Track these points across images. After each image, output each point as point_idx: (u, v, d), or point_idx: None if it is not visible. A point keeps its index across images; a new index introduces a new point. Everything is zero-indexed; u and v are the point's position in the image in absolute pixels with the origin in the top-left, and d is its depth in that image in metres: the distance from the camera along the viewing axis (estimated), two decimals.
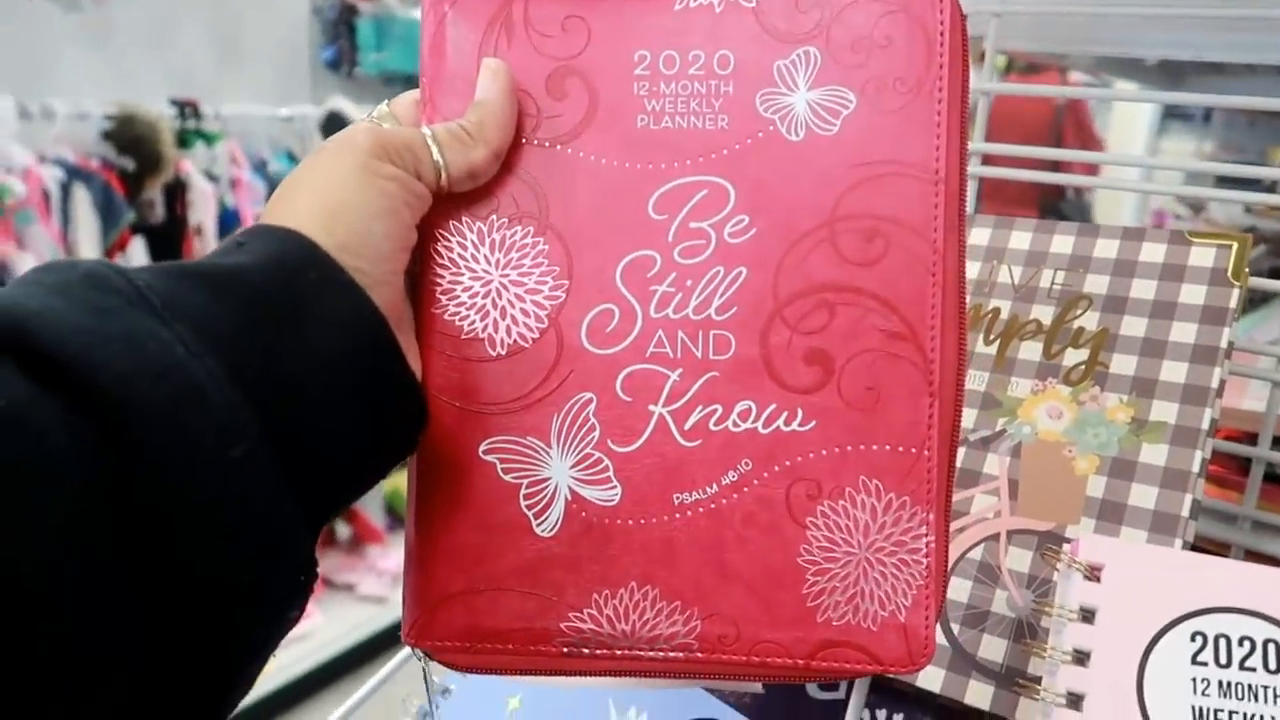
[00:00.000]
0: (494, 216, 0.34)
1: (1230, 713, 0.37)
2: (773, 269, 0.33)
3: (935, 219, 0.33)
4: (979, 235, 0.58)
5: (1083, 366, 0.52)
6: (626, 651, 0.34)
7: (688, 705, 0.50)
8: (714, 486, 0.33)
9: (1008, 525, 0.50)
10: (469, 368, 0.34)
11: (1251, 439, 0.59)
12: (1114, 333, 0.52)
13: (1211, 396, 0.49)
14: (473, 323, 0.34)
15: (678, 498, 0.33)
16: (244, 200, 2.14)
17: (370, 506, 2.40)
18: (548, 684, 0.42)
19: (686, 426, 0.34)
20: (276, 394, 0.27)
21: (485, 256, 0.34)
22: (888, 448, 0.33)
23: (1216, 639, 0.38)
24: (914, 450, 0.33)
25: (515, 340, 0.34)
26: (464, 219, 0.34)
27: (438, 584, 0.34)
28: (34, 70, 1.90)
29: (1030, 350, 0.54)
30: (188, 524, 0.24)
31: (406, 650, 0.37)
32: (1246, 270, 0.51)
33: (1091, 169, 2.08)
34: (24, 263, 1.66)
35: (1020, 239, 0.57)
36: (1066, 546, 0.43)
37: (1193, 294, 0.51)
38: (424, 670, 0.36)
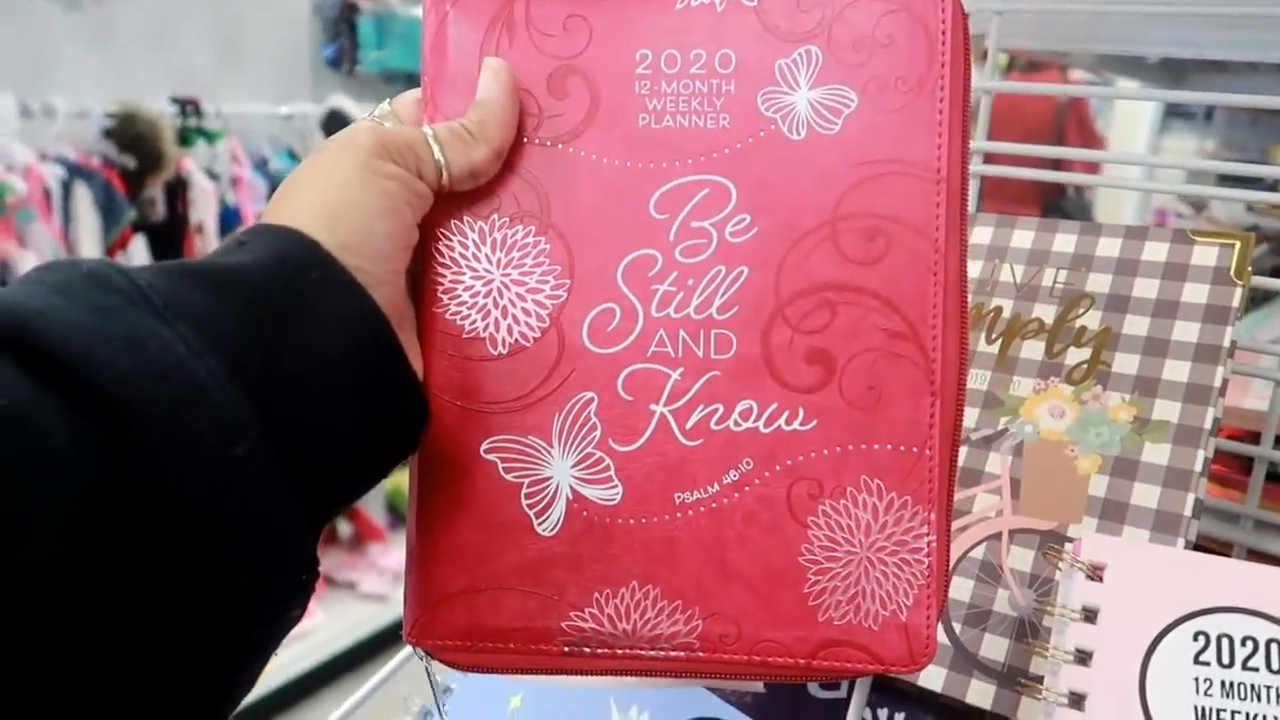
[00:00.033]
0: (495, 216, 0.34)
1: (1233, 713, 0.37)
2: (774, 268, 0.33)
3: (937, 218, 0.33)
4: (981, 234, 0.58)
5: (1085, 365, 0.52)
6: (627, 651, 0.34)
7: (689, 704, 0.50)
8: (715, 486, 0.33)
9: (1010, 524, 0.50)
10: (470, 367, 0.34)
11: (1254, 438, 0.59)
12: (1116, 332, 0.52)
13: (1214, 395, 0.49)
14: (474, 322, 0.34)
15: (679, 497, 0.33)
16: (245, 198, 2.14)
17: (372, 504, 2.41)
18: (549, 683, 0.42)
19: (688, 426, 0.34)
20: (278, 393, 0.27)
21: (486, 256, 0.34)
22: (889, 447, 0.33)
23: (1219, 639, 0.38)
24: (915, 450, 0.33)
25: (516, 339, 0.34)
26: (465, 218, 0.34)
27: (439, 583, 0.34)
28: (35, 68, 1.90)
29: (1032, 349, 0.54)
30: (189, 523, 0.24)
31: (408, 649, 0.37)
32: (1249, 269, 0.51)
33: (1093, 167, 2.08)
34: (25, 261, 1.66)
35: (1022, 238, 0.57)
36: (1069, 546, 0.43)
37: (1195, 293, 0.51)
38: (427, 670, 0.36)
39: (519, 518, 0.34)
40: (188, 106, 2.07)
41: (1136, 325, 0.52)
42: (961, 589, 0.50)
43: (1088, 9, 0.66)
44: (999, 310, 0.55)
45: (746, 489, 0.33)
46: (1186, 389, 0.49)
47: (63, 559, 0.22)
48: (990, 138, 0.69)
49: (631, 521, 0.34)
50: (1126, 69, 1.19)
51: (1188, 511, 0.47)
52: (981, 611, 0.49)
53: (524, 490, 0.34)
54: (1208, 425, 0.48)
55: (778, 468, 0.33)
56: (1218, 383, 0.49)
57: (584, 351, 0.34)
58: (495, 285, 0.34)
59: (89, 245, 1.79)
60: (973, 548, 0.50)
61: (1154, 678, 0.38)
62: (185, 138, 2.05)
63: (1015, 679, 0.47)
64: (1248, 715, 0.37)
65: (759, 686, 0.53)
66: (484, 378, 0.34)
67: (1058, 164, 0.74)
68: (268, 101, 2.31)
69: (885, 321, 0.33)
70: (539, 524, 0.34)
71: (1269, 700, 0.37)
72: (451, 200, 0.34)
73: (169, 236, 1.99)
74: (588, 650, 0.34)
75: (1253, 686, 0.37)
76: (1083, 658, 0.39)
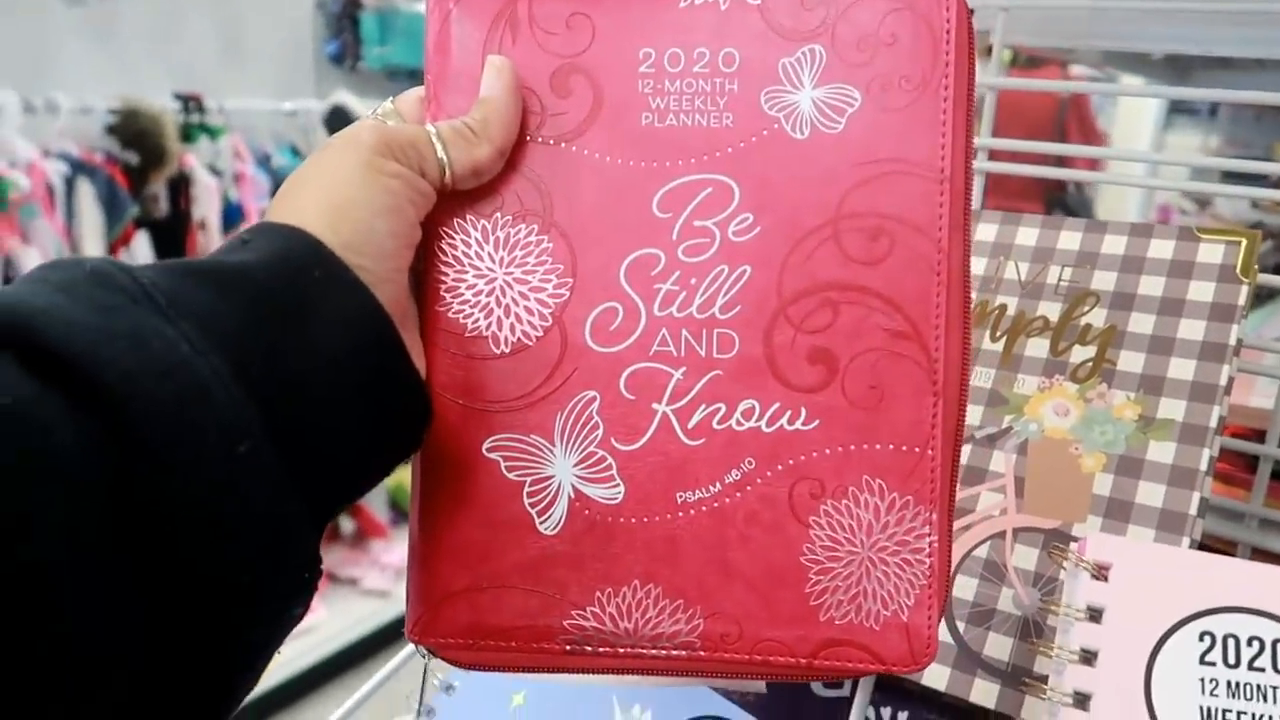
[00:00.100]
0: (498, 214, 0.34)
1: (1239, 713, 0.37)
2: (777, 267, 0.33)
3: (940, 218, 0.33)
4: (985, 231, 0.58)
5: (1090, 363, 0.52)
6: (629, 650, 0.34)
7: (692, 702, 0.50)
8: (717, 485, 0.33)
9: (1014, 523, 0.50)
10: (473, 365, 0.34)
11: (1259, 436, 0.59)
12: (1121, 329, 0.52)
13: (1220, 394, 0.49)
14: (477, 320, 0.34)
15: (681, 496, 0.33)
16: (248, 195, 2.14)
17: (374, 501, 2.41)
18: (552, 681, 0.42)
19: (690, 425, 0.33)
20: (281, 392, 0.27)
21: (489, 254, 0.34)
22: (891, 447, 0.33)
23: (1225, 639, 0.38)
24: (917, 450, 0.33)
25: (519, 338, 0.34)
26: (468, 217, 0.34)
27: (441, 581, 0.34)
28: (38, 64, 1.90)
29: (1037, 347, 0.53)
30: (191, 522, 0.24)
31: (410, 647, 0.37)
32: (1255, 266, 0.51)
33: (1095, 164, 2.07)
34: (28, 257, 1.67)
35: (1027, 235, 0.57)
36: (1073, 545, 0.43)
37: (1201, 290, 0.51)
38: (424, 670, 0.36)
39: (521, 516, 0.34)
40: (190, 102, 2.07)
41: (1141, 323, 0.52)
42: (965, 588, 0.50)
43: (1092, 5, 0.65)
44: (1003, 308, 0.55)
45: (748, 488, 0.33)
46: (1192, 387, 0.49)
47: (64, 557, 0.22)
48: (993, 134, 0.68)
49: (633, 520, 0.34)
50: (1131, 65, 1.19)
51: (1193, 510, 0.47)
52: (985, 610, 0.49)
53: (526, 489, 0.34)
54: (1213, 424, 0.48)
55: (780, 467, 0.33)
56: (1223, 381, 0.49)
57: (586, 350, 0.34)
58: (498, 284, 0.34)
59: (92, 241, 1.79)
60: (977, 546, 0.50)
61: (1159, 678, 0.38)
62: (188, 134, 2.05)
63: (1019, 678, 0.47)
64: (1254, 716, 0.36)
65: (761, 686, 0.53)
66: (486, 376, 0.34)
67: (1061, 160, 0.74)
68: (271, 97, 2.31)
69: (888, 321, 0.33)
70: (541, 523, 0.34)
71: (1275, 700, 0.36)
72: (454, 199, 0.34)
73: (172, 233, 1.99)
74: (589, 649, 0.34)
75: (1258, 687, 0.37)
76: (1087, 657, 0.39)
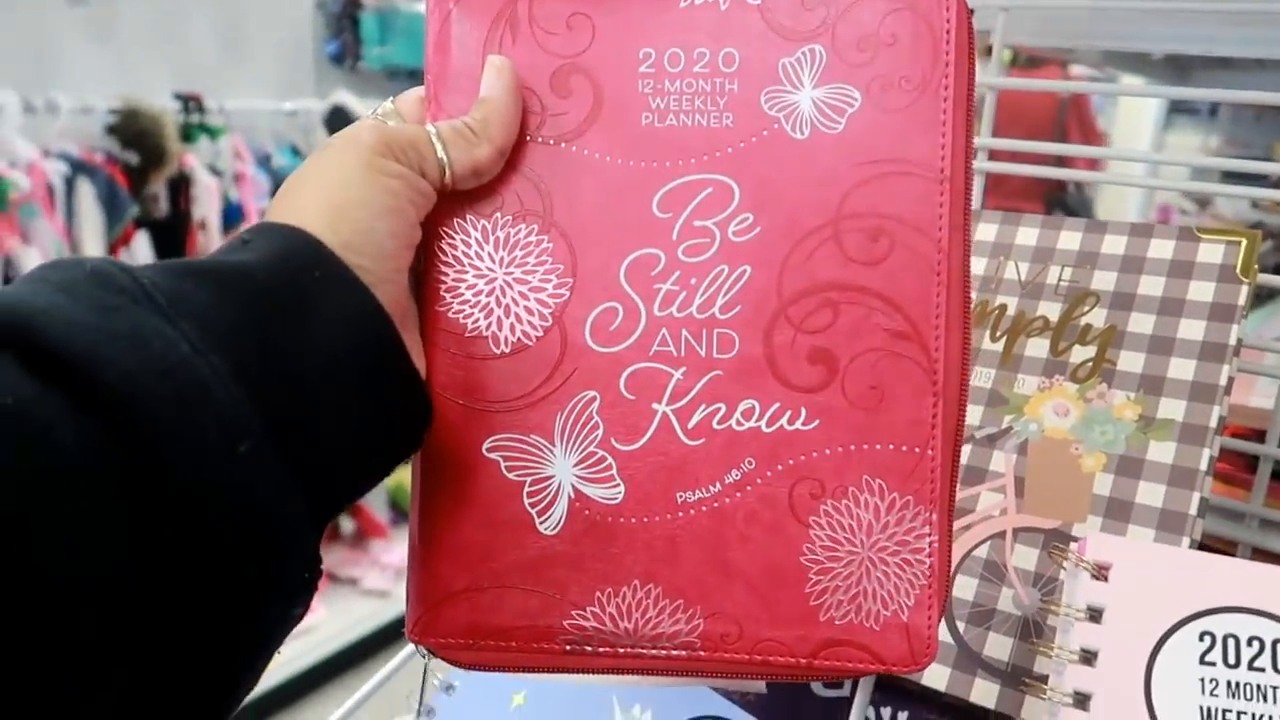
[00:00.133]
0: (498, 214, 0.34)
1: (1239, 713, 0.37)
2: (777, 268, 0.33)
3: (940, 218, 0.33)
4: (985, 231, 0.58)
5: (1090, 363, 0.52)
6: (629, 650, 0.34)
7: (692, 702, 0.50)
8: (717, 485, 0.33)
9: (1014, 523, 0.50)
10: (473, 365, 0.34)
11: (1259, 436, 0.59)
12: (1121, 329, 0.52)
13: (1220, 394, 0.49)
14: (477, 320, 0.34)
15: (681, 496, 0.33)
16: (248, 195, 2.14)
17: (374, 501, 2.41)
18: (552, 680, 0.42)
19: (690, 425, 0.33)
20: (281, 391, 0.27)
21: (489, 254, 0.34)
22: (891, 447, 0.33)
23: (1225, 639, 0.38)
24: (917, 450, 0.33)
25: (519, 338, 0.34)
26: (468, 217, 0.34)
27: (441, 581, 0.34)
28: (38, 64, 1.90)
29: (1037, 347, 0.54)
30: (192, 521, 0.24)
31: (410, 647, 0.37)
32: (1255, 266, 0.51)
33: (1095, 163, 2.07)
34: (28, 257, 1.67)
35: (1027, 235, 0.57)
36: (1073, 545, 0.43)
37: (1201, 290, 0.51)
38: (424, 670, 0.36)
39: (521, 516, 0.34)
40: (191, 102, 2.07)
41: (1142, 323, 0.52)
42: (965, 587, 0.50)
43: (1092, 5, 0.65)
44: (1003, 308, 0.55)
45: (748, 488, 0.33)
46: (1192, 387, 0.49)
47: (65, 557, 0.22)
48: (993, 134, 0.68)
49: (633, 520, 0.34)
50: (1131, 65, 1.19)
51: (1193, 510, 0.47)
52: (985, 610, 0.49)
53: (526, 489, 0.34)
54: (1213, 424, 0.48)
55: (780, 467, 0.33)
56: (1223, 381, 0.49)
57: (586, 350, 0.34)
58: (498, 284, 0.34)
59: (92, 241, 1.79)
60: (977, 546, 0.50)
61: (1159, 678, 0.38)
62: (188, 134, 2.05)
63: (1019, 678, 0.47)
64: (1254, 716, 0.36)
65: (761, 686, 0.53)
66: (486, 376, 0.34)
67: (1061, 160, 0.74)
68: (271, 97, 2.31)
69: (888, 322, 0.33)
70: (541, 523, 0.34)
71: (1275, 701, 0.36)
72: (454, 199, 0.34)
73: (172, 233, 1.99)
74: (589, 649, 0.34)
75: (1259, 687, 0.37)
76: (1087, 657, 0.39)
